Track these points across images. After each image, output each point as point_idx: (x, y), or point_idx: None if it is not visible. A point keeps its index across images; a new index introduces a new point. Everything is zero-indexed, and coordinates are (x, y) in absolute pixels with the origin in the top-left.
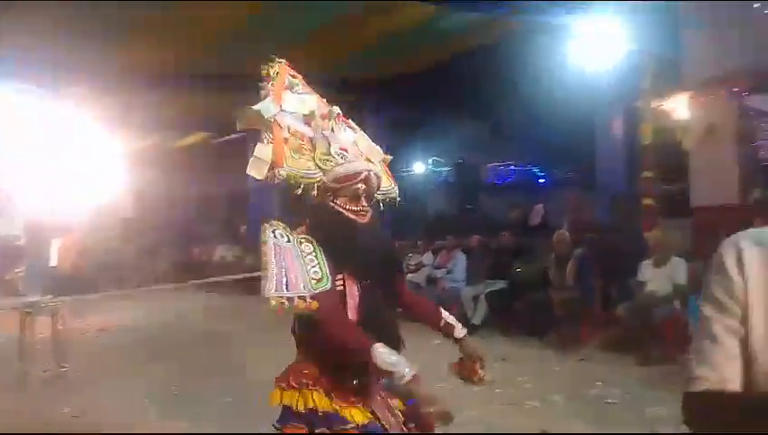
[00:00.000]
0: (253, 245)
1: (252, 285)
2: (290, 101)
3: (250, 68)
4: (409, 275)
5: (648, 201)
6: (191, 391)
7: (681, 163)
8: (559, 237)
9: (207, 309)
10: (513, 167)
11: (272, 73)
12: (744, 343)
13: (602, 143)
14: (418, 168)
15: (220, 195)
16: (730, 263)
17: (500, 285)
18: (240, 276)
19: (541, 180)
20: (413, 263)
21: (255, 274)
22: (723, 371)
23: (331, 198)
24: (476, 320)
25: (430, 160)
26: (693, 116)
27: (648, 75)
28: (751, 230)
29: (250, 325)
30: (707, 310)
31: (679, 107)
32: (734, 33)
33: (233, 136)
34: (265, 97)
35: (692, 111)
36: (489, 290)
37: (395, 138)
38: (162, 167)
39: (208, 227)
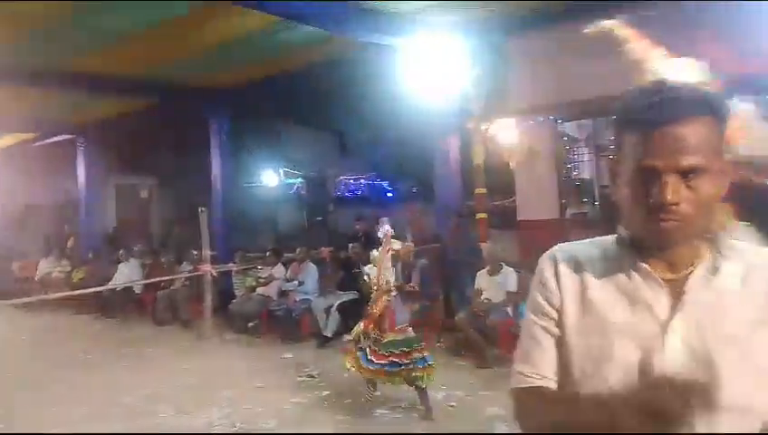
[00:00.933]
0: (85, 259)
1: (82, 304)
2: None
3: (69, 66)
4: (260, 288)
5: (481, 215)
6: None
7: (509, 181)
8: (404, 249)
9: (33, 330)
10: (362, 180)
11: None
12: (559, 344)
13: (441, 161)
14: (269, 179)
15: (44, 204)
16: (548, 273)
17: (351, 295)
18: (65, 294)
19: (388, 194)
20: (263, 276)
21: (85, 291)
22: (541, 368)
23: None
24: (328, 332)
25: (281, 172)
26: (517, 139)
27: (477, 100)
28: (565, 244)
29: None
30: (530, 314)
31: (505, 131)
32: (551, 67)
33: (58, 138)
34: None
35: (516, 135)
36: (340, 301)
37: (244, 148)
38: None
39: (30, 239)
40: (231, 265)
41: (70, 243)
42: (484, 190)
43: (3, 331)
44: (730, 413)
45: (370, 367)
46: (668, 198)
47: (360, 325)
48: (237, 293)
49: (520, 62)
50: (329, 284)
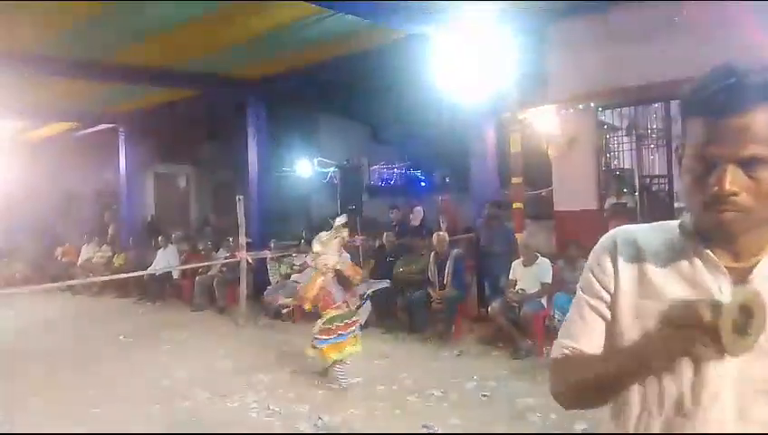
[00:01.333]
0: (125, 245)
1: (122, 288)
2: None
3: (112, 57)
4: (294, 275)
5: (517, 205)
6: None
7: (546, 171)
8: (438, 238)
9: (75, 312)
10: (395, 170)
11: None
12: (611, 326)
13: (476, 150)
14: (303, 168)
15: (85, 192)
16: (606, 255)
17: (383, 284)
18: (106, 278)
19: (422, 183)
20: (298, 263)
21: (124, 275)
22: (581, 343)
23: None
24: (360, 318)
25: (315, 161)
26: (556, 128)
27: (516, 88)
28: (626, 226)
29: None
30: (581, 292)
31: (544, 119)
32: (591, 54)
33: (100, 127)
34: None
35: (555, 124)
36: (372, 290)
37: (279, 137)
38: (19, 160)
39: (72, 225)
40: (266, 252)
41: (110, 230)
42: (520, 180)
43: (47, 313)
44: None
45: (325, 345)
46: (727, 187)
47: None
48: (272, 280)
49: (559, 49)
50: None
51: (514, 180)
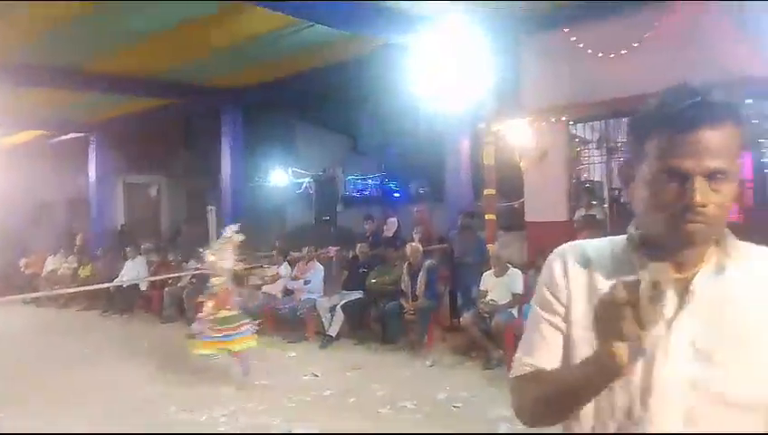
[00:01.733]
0: (93, 256)
1: (89, 300)
2: None
3: (88, 65)
4: (265, 287)
5: (490, 216)
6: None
7: (518, 182)
8: (412, 249)
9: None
10: (371, 180)
11: None
12: (566, 339)
13: (451, 162)
14: (278, 178)
15: (57, 200)
16: (558, 270)
17: (356, 295)
18: (70, 290)
19: (397, 194)
20: (269, 274)
21: (89, 288)
22: (540, 359)
23: None
24: (332, 331)
25: (290, 171)
26: (529, 141)
27: (490, 100)
28: (576, 242)
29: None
30: (536, 307)
31: (517, 132)
32: (564, 69)
33: (72, 135)
34: None
35: (528, 137)
36: (345, 301)
37: (254, 147)
38: None
39: (43, 234)
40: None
41: (78, 240)
42: (493, 191)
43: (11, 326)
44: (734, 410)
45: (210, 341)
46: (698, 199)
47: (210, 305)
48: (243, 291)
49: (533, 62)
50: (334, 283)
51: (487, 192)
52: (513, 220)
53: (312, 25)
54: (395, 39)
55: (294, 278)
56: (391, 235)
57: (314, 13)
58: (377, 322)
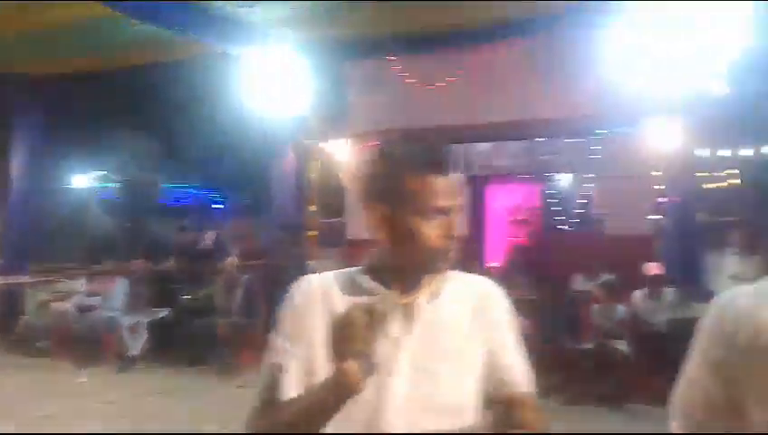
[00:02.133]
0: None
1: None
2: None
3: None
4: (54, 303)
5: (311, 232)
6: None
7: (341, 200)
8: (228, 264)
9: None
10: (189, 189)
11: None
12: (309, 370)
13: (276, 176)
14: (80, 182)
15: None
16: (296, 301)
17: (163, 312)
18: None
19: (215, 205)
20: (62, 290)
21: None
22: (279, 391)
23: None
24: (135, 350)
25: (95, 175)
26: (350, 160)
27: (315, 118)
28: (311, 275)
29: None
30: (278, 339)
31: (340, 151)
32: (383, 95)
33: None
34: None
35: (350, 156)
36: (151, 319)
37: (55, 147)
38: None
39: None
40: (23, 276)
41: None
42: (314, 207)
43: None
44: (446, 414)
45: None
46: (454, 231)
47: None
48: (28, 309)
49: (357, 86)
50: (140, 299)
51: (309, 208)
52: (333, 237)
53: (128, 19)
54: (224, 47)
55: (92, 294)
56: (208, 248)
57: (139, 11)
58: (185, 341)
